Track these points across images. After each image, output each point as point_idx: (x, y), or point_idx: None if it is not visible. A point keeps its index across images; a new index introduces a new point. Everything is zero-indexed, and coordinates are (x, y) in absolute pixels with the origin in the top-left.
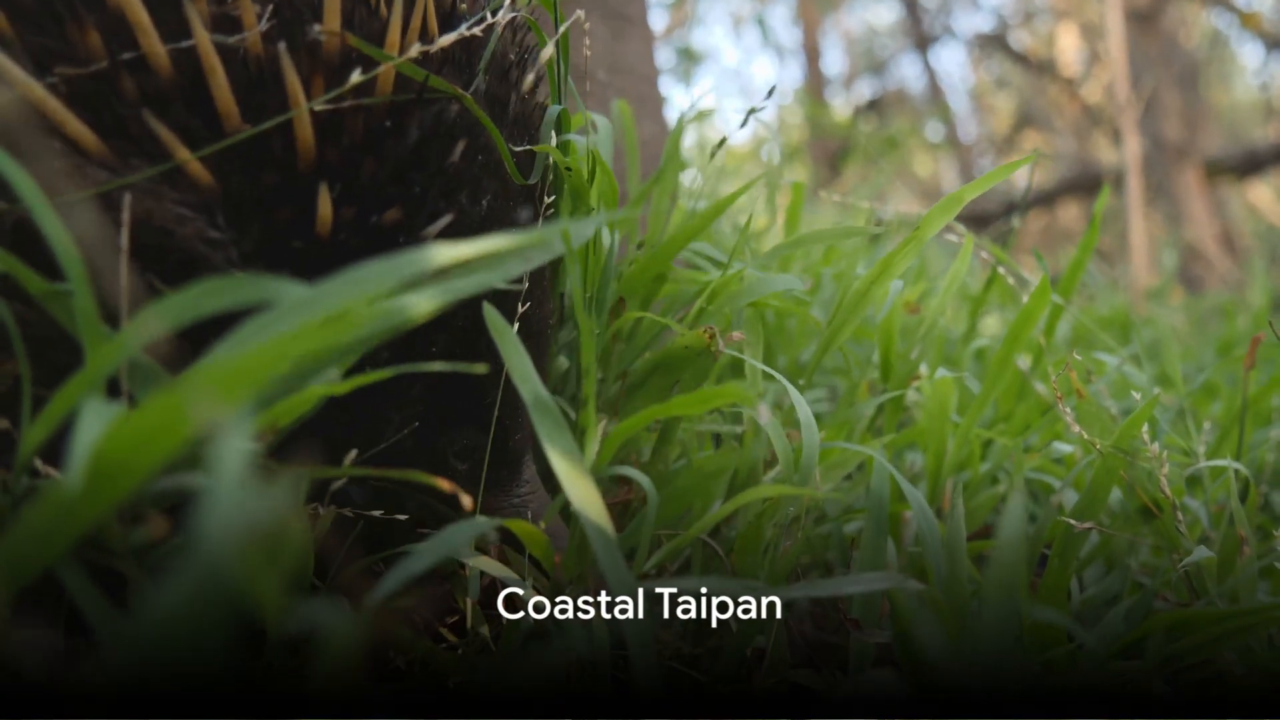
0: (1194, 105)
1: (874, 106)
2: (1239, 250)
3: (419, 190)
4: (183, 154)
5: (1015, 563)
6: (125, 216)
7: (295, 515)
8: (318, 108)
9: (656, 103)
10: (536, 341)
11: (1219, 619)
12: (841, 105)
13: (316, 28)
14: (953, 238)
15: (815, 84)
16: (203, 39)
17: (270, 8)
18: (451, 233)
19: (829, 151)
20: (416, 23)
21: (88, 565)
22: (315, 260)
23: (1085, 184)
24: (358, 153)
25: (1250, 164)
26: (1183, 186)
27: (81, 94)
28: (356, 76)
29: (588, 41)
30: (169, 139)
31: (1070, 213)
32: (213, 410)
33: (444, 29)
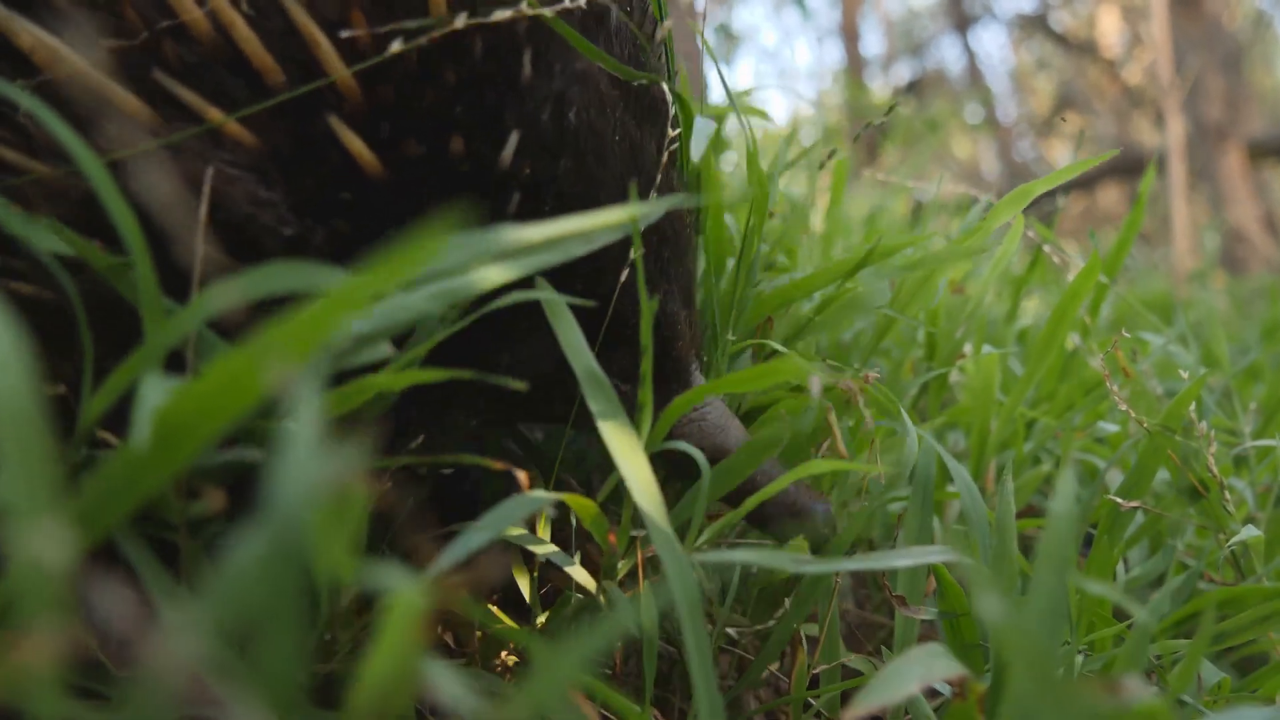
0: (1237, 87)
1: (913, 88)
2: None
3: (484, 114)
4: (214, 115)
5: (1067, 535)
6: (206, 189)
7: (362, 477)
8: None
9: (699, 83)
10: (681, 260)
11: (1270, 596)
12: (880, 87)
13: None
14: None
15: (854, 66)
16: None
17: None
18: (526, 150)
19: (869, 133)
20: None
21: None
22: (377, 202)
23: (1125, 166)
24: (413, 83)
25: None
26: (1225, 169)
27: (126, 62)
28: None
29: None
30: (196, 102)
31: (1110, 196)
32: (283, 368)
33: None
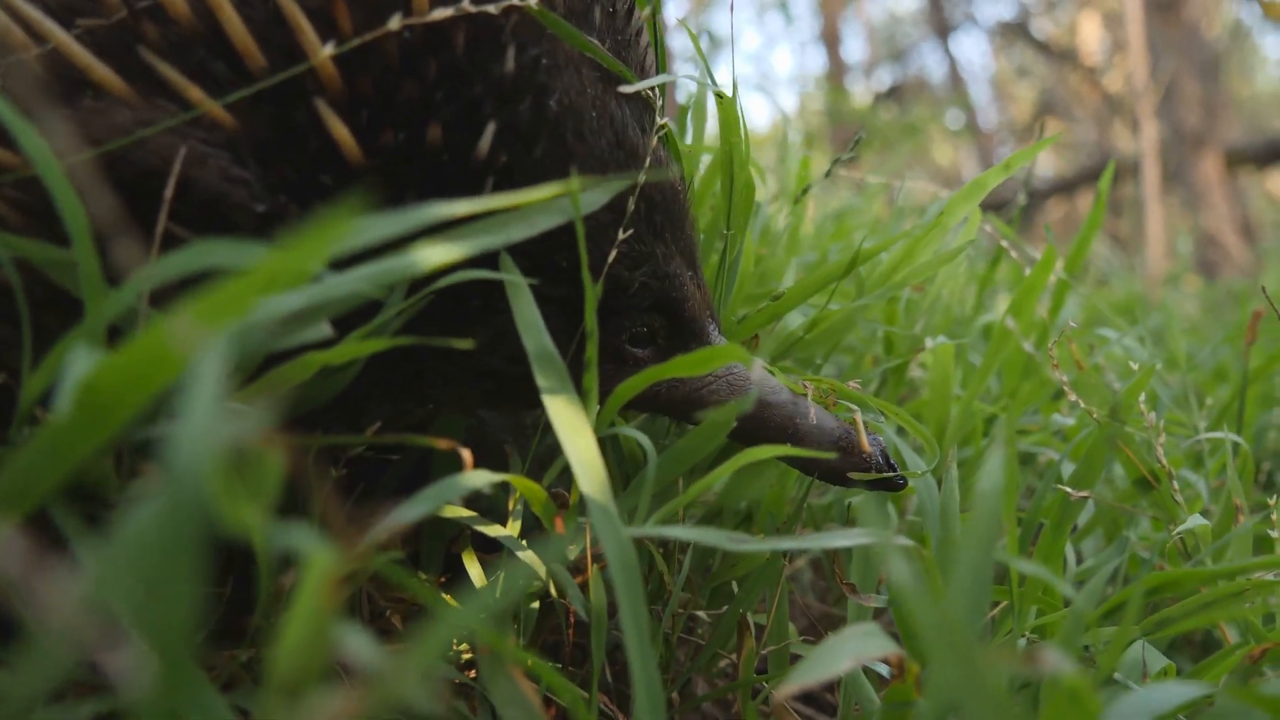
0: (1214, 95)
1: (894, 94)
2: (1257, 238)
3: (463, 105)
4: (195, 94)
5: (994, 511)
6: (176, 168)
7: (272, 439)
8: (332, 52)
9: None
10: (678, 225)
11: (1206, 578)
12: (862, 92)
13: None
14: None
15: (836, 71)
16: None
17: None
18: (503, 140)
19: (848, 137)
20: None
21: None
22: (356, 187)
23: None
24: (394, 76)
25: (1270, 154)
26: (1201, 174)
27: (107, 43)
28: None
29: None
30: (178, 80)
31: (1090, 202)
32: (195, 339)
33: None
